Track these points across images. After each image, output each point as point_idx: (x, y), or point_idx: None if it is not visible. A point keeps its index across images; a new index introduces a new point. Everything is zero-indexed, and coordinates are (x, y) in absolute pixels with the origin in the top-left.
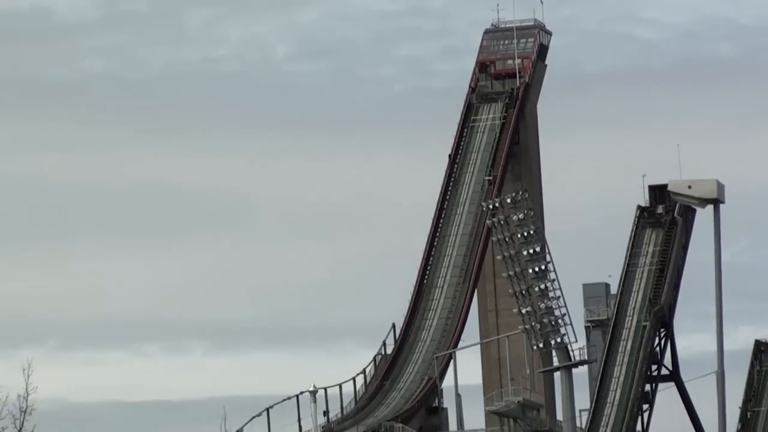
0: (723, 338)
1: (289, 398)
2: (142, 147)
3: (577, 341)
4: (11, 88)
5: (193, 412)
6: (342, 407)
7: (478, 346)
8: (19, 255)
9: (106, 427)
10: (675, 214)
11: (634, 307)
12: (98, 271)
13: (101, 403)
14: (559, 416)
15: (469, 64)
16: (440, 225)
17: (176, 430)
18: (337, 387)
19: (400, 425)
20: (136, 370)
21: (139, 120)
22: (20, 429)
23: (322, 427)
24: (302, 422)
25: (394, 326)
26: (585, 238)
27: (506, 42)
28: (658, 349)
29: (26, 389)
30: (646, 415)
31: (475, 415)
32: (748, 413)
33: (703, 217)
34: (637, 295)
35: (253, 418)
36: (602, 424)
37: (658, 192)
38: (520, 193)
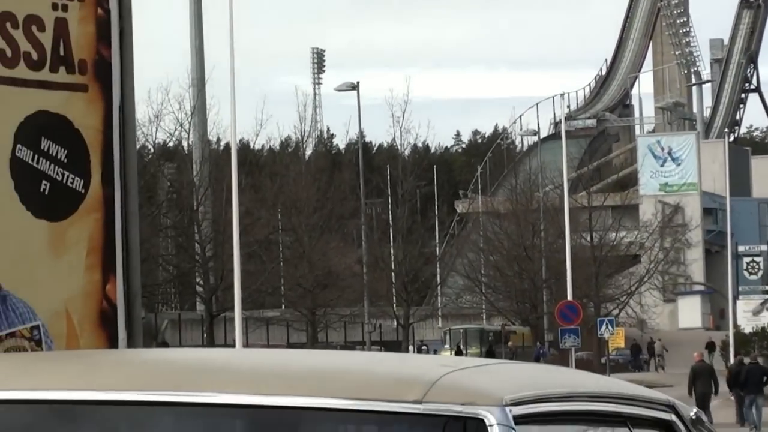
0: None
1: (548, 98)
2: None
3: (705, 70)
4: None
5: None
6: (577, 103)
7: (651, 71)
8: None
9: None
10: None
11: (737, 51)
12: None
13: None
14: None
15: None
16: (629, 13)
17: None
18: (574, 92)
19: (607, 112)
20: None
21: None
22: None
23: (566, 115)
24: (556, 112)
25: (606, 59)
26: (709, 13)
27: None
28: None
29: None
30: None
31: (649, 107)
32: None
33: None
34: (738, 45)
35: (528, 109)
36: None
37: None
38: None
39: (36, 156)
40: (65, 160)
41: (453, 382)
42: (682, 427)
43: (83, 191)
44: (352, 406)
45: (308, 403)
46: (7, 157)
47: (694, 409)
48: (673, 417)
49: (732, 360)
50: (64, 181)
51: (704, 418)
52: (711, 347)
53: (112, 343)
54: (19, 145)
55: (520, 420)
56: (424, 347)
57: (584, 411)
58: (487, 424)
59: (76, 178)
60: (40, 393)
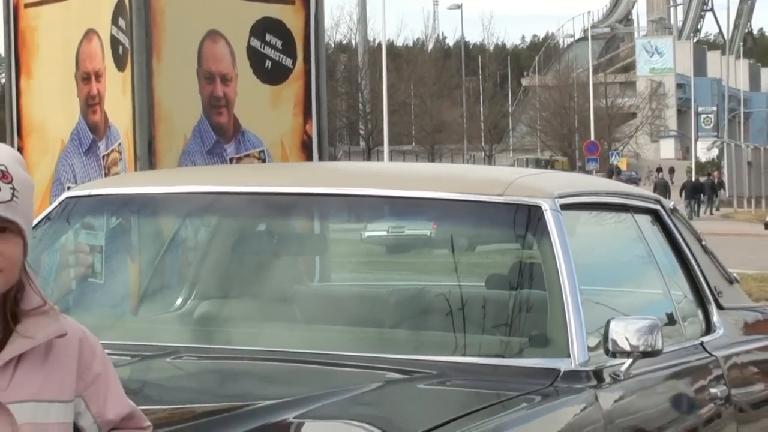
0: None
1: (580, 14)
2: None
3: None
4: None
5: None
6: (598, 17)
7: None
8: None
9: None
10: None
11: None
12: None
13: None
14: (672, 22)
15: None
16: None
17: None
18: (596, 10)
19: (617, 23)
20: None
21: None
22: None
23: (591, 24)
24: (585, 23)
25: None
26: None
27: None
28: None
29: None
30: None
31: (643, 20)
32: None
33: None
34: None
35: (567, 21)
36: None
37: None
38: None
39: (262, 44)
40: (281, 47)
41: (522, 182)
42: (664, 213)
43: (291, 67)
44: (458, 197)
45: (431, 195)
46: (245, 46)
47: (672, 203)
48: (659, 207)
49: (694, 179)
50: (280, 61)
51: (678, 208)
52: (659, 170)
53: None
54: (252, 38)
55: (563, 207)
56: None
57: (603, 202)
58: (543, 209)
59: (287, 59)
60: (266, 187)
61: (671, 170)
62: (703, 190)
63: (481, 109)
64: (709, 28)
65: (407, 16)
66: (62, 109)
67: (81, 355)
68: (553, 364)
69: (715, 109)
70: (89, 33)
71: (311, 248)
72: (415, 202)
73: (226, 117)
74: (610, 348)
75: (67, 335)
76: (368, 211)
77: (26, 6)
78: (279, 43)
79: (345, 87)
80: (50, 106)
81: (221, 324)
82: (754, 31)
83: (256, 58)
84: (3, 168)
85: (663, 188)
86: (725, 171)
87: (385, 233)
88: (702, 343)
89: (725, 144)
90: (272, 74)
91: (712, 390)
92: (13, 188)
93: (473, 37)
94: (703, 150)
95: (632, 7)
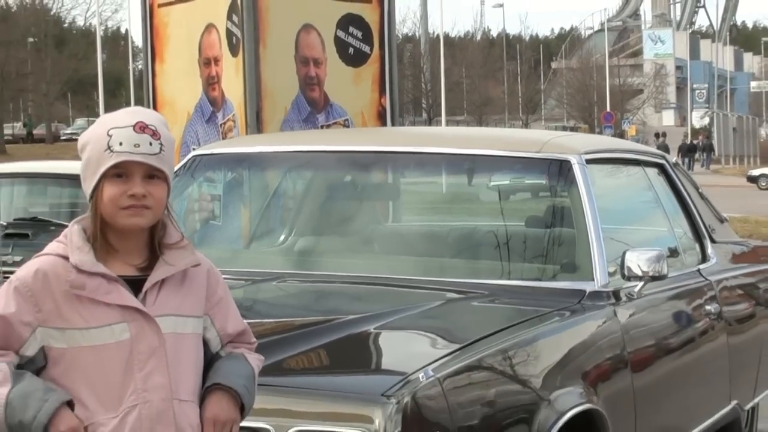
0: None
1: (598, 10)
2: None
3: None
4: None
5: None
6: (612, 12)
7: None
8: None
9: None
10: None
11: None
12: None
13: None
14: (672, 16)
15: None
16: None
17: None
18: (611, 7)
19: (628, 18)
20: None
21: None
22: None
23: (606, 19)
24: (601, 17)
25: None
26: None
27: None
28: None
29: None
30: None
31: (649, 15)
32: None
33: None
34: None
35: (588, 16)
36: None
37: None
38: None
39: (346, 35)
40: (361, 37)
41: (555, 141)
42: (668, 167)
43: (369, 53)
44: (504, 154)
45: (482, 152)
46: (332, 36)
47: (675, 158)
48: (664, 162)
49: (688, 142)
50: (360, 48)
51: (680, 163)
52: (657, 135)
53: None
54: (338, 30)
55: (588, 161)
56: None
57: (620, 158)
58: (572, 162)
59: (366, 46)
60: (350, 146)
61: (663, 134)
62: (695, 150)
63: (519, 87)
64: (701, 21)
65: (459, 14)
66: (188, 87)
67: (208, 282)
68: (580, 286)
69: (706, 85)
70: (209, 27)
71: (386, 195)
72: (471, 157)
73: (317, 93)
74: (626, 273)
75: (199, 266)
76: (433, 165)
77: (159, 6)
78: (360, 34)
79: (410, 70)
80: (178, 85)
81: (316, 255)
82: (738, 23)
83: (341, 46)
84: (153, 128)
85: (664, 149)
86: (714, 135)
87: (507, 182)
88: (699, 270)
89: (715, 114)
90: (354, 59)
91: (707, 308)
92: (161, 144)
93: (512, 30)
94: (697, 118)
95: (640, 5)
